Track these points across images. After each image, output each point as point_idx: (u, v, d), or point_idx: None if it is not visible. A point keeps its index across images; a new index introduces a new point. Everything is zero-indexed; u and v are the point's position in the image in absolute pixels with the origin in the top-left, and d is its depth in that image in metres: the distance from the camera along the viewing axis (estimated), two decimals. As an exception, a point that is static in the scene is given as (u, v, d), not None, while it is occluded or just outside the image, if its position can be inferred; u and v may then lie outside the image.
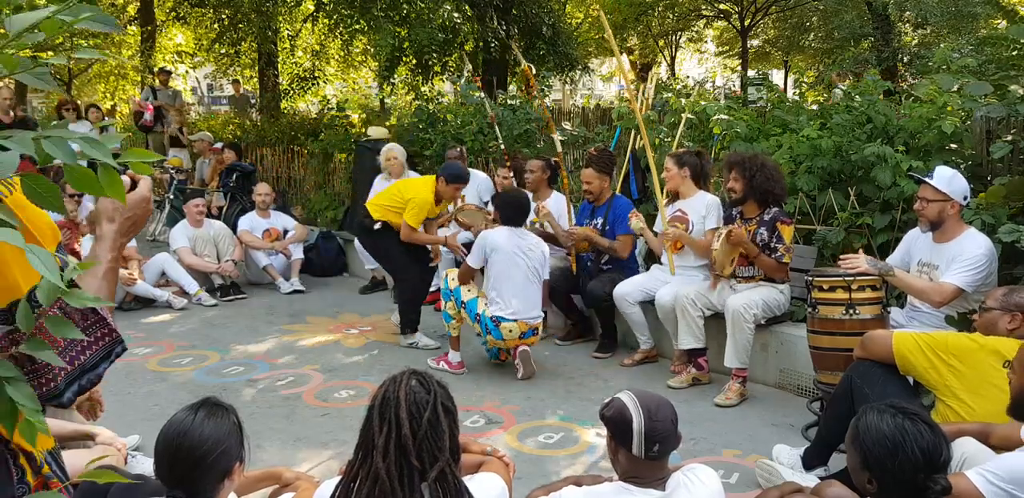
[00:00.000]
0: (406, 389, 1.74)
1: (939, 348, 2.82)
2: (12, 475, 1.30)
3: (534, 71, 7.29)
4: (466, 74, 7.36)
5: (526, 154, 6.60)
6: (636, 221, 4.81)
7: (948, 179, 3.51)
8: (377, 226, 5.16)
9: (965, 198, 3.54)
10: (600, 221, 5.06)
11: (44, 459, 1.37)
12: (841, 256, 3.64)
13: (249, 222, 7.09)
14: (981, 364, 2.73)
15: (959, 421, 2.71)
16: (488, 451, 2.28)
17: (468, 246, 5.03)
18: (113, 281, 1.45)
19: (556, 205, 5.40)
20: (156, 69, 11.70)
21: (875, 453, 1.97)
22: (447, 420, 1.75)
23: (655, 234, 4.87)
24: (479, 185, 6.30)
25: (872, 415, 2.04)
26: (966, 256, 3.44)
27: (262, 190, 7.19)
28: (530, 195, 5.66)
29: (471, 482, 1.90)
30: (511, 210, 4.61)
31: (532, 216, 5.66)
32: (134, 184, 1.51)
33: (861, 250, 3.73)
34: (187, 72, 18.44)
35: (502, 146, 6.21)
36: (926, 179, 3.57)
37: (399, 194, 5.15)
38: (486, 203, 6.13)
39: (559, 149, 5.64)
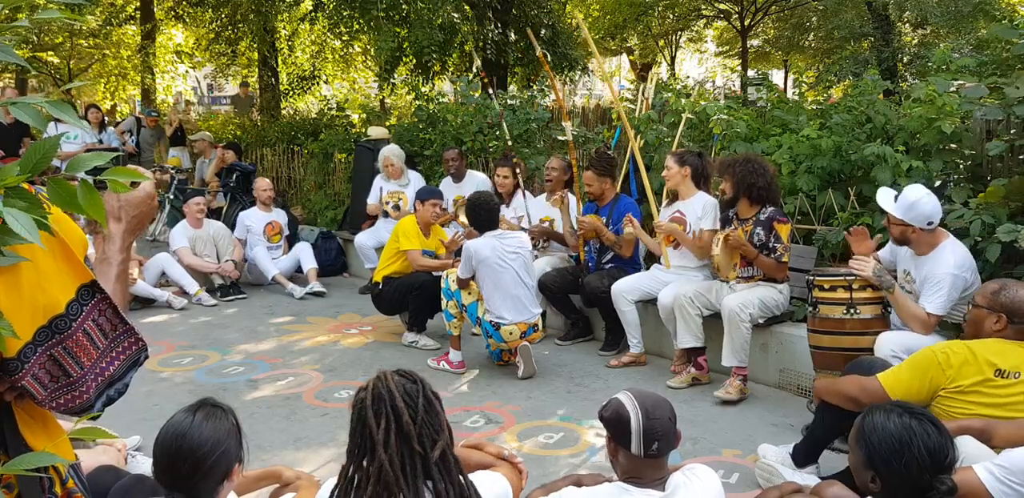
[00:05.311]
0: (394, 382, 1.79)
1: (936, 383, 2.70)
2: (44, 484, 1.31)
3: (548, 58, 7.29)
4: (475, 69, 7.34)
5: (525, 154, 6.60)
6: (629, 228, 4.82)
7: (908, 206, 3.42)
8: (380, 286, 5.34)
9: (930, 223, 3.43)
10: (604, 220, 5.07)
11: (68, 473, 1.38)
12: (854, 256, 3.63)
13: (251, 216, 7.10)
14: (977, 375, 2.67)
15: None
16: (505, 455, 2.28)
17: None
18: (126, 283, 1.46)
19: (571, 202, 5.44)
20: (147, 111, 11.72)
21: (881, 452, 1.96)
22: (437, 403, 1.83)
23: (652, 236, 4.87)
24: (478, 185, 6.30)
25: (878, 414, 2.03)
26: (935, 280, 3.39)
27: (264, 186, 7.18)
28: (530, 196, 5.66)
29: (474, 477, 1.91)
30: (481, 215, 4.59)
31: (545, 213, 5.67)
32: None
33: (874, 257, 3.71)
34: (187, 72, 18.44)
35: (509, 142, 6.19)
36: (884, 206, 3.52)
37: (388, 244, 5.43)
38: None
39: (570, 140, 5.61)
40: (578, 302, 5.26)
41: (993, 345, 2.72)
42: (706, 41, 25.82)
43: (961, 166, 4.41)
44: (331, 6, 11.01)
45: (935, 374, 2.70)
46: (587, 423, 3.86)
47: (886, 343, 3.33)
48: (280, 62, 13.57)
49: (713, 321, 4.34)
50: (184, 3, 13.09)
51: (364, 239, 6.71)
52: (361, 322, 5.88)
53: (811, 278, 3.66)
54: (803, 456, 3.15)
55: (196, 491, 1.94)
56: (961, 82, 4.54)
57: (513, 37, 11.60)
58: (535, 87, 8.22)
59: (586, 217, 5.07)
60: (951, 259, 3.40)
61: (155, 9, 14.32)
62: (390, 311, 5.51)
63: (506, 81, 11.78)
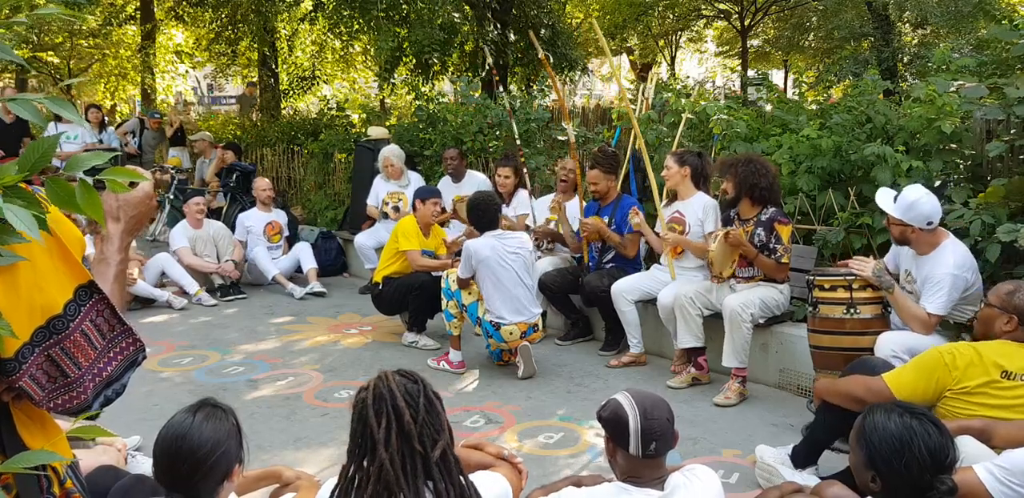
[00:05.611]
0: (395, 382, 1.80)
1: (943, 384, 2.70)
2: (42, 484, 1.31)
3: (550, 59, 7.24)
4: (487, 65, 7.31)
5: (525, 154, 6.59)
6: (635, 218, 4.82)
7: (907, 206, 3.42)
8: (380, 286, 5.35)
9: (930, 223, 3.43)
10: (607, 220, 5.07)
11: (66, 473, 1.37)
12: (855, 257, 3.63)
13: (250, 217, 7.10)
14: (983, 377, 2.67)
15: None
16: (505, 455, 2.28)
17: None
18: (123, 284, 1.46)
19: (571, 207, 5.42)
20: (150, 113, 11.70)
21: (881, 452, 1.96)
22: (438, 402, 1.83)
23: (656, 234, 4.87)
24: (477, 185, 6.30)
25: (879, 414, 2.03)
26: (935, 280, 3.39)
27: (263, 186, 7.18)
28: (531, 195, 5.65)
29: (474, 477, 1.91)
30: (482, 215, 4.59)
31: (547, 214, 5.66)
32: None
33: (874, 257, 3.71)
34: (187, 72, 18.44)
35: (518, 140, 6.17)
36: (884, 207, 3.52)
37: (388, 245, 5.44)
38: None
39: (572, 140, 5.59)
40: (578, 302, 5.27)
41: (1000, 347, 2.72)
42: (706, 41, 25.80)
43: (961, 166, 4.41)
44: (331, 6, 11.02)
45: (941, 375, 2.70)
46: (587, 423, 3.86)
47: (886, 343, 3.33)
48: (280, 62, 13.58)
49: (713, 321, 4.34)
50: (184, 3, 13.09)
51: (364, 239, 6.71)
52: (361, 322, 5.88)
53: (811, 278, 3.66)
54: (803, 457, 3.14)
55: (196, 491, 1.94)
56: (961, 82, 4.54)
57: (513, 37, 11.60)
58: (535, 87, 8.21)
59: (588, 219, 5.07)
60: (951, 259, 3.39)
61: (155, 9, 14.32)
62: (390, 311, 5.51)
63: (506, 81, 11.78)
